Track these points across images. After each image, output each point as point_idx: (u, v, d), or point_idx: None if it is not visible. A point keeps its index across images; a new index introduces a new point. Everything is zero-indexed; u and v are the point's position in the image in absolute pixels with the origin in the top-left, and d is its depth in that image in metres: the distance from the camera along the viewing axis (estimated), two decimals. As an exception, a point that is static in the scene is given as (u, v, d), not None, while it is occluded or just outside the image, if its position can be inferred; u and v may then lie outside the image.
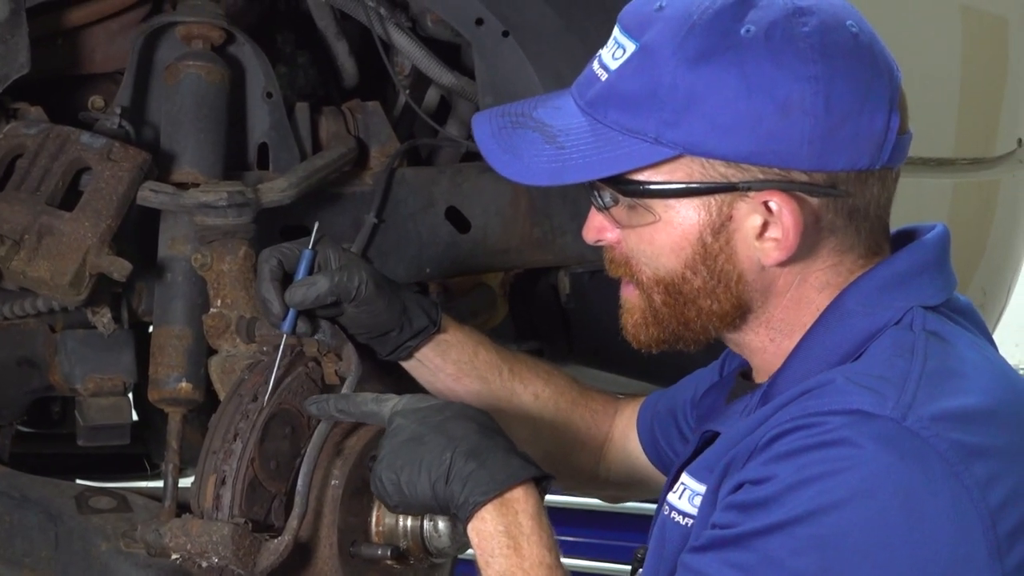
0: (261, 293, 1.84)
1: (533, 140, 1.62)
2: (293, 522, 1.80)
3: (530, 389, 2.02)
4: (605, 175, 1.59)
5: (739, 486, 1.51)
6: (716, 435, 1.67)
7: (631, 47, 1.58)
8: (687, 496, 1.65)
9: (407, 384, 2.03)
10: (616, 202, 1.61)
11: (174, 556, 1.82)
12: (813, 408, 1.49)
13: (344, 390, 1.84)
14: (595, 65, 1.61)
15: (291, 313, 1.83)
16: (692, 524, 1.62)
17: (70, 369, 2.13)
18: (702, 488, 1.62)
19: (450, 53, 2.32)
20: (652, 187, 1.57)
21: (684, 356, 1.70)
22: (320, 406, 1.82)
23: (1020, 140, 2.84)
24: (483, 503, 1.60)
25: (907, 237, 1.68)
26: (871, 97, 1.54)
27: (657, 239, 1.60)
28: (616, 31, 1.61)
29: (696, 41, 1.54)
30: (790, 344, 1.63)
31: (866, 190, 1.58)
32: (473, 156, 2.31)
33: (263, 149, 2.17)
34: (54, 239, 1.95)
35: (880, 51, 1.58)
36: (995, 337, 1.75)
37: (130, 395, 2.18)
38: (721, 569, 1.47)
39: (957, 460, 1.45)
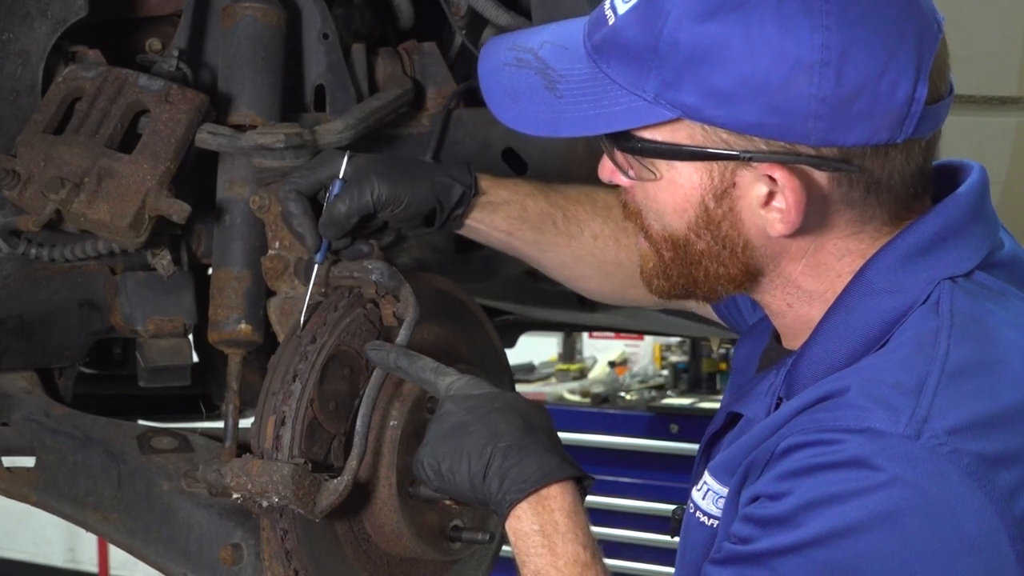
0: (295, 229, 1.88)
1: (533, 84, 1.56)
2: (352, 462, 1.81)
3: (588, 231, 1.98)
4: (600, 132, 1.53)
5: (756, 498, 1.47)
6: (739, 416, 1.63)
7: None
8: (711, 497, 1.62)
9: (466, 329, 2.03)
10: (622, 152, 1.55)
11: (235, 496, 1.84)
12: (827, 423, 1.43)
13: (402, 332, 1.85)
14: (607, 5, 1.53)
15: (324, 244, 1.88)
16: (717, 526, 1.59)
17: (131, 311, 2.14)
18: (724, 490, 1.58)
19: (506, -7, 2.30)
20: (651, 146, 1.51)
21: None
22: (380, 355, 1.83)
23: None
24: (518, 500, 1.60)
25: (948, 176, 1.59)
26: (892, 67, 1.42)
27: (661, 197, 1.54)
28: None
29: None
30: (811, 311, 1.56)
31: (887, 163, 1.47)
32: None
33: (320, 91, 2.17)
34: (113, 182, 1.96)
35: (917, 8, 1.45)
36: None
37: (190, 336, 2.20)
38: None
39: (980, 473, 1.39)
